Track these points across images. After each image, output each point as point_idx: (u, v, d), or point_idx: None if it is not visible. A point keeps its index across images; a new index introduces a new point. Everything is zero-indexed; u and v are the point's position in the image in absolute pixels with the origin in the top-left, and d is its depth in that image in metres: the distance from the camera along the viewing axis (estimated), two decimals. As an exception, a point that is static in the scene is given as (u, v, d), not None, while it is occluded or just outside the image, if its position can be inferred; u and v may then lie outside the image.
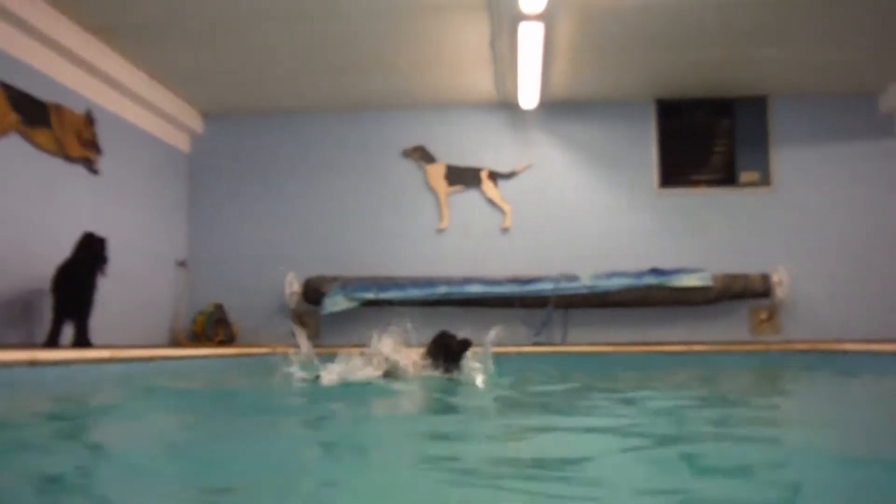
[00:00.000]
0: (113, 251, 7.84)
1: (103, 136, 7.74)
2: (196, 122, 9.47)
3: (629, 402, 3.61)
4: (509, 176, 9.21)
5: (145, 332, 8.45)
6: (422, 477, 1.71)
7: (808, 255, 8.71)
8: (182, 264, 9.34)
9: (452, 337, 4.48)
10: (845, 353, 7.13)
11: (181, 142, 9.42)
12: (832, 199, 8.84)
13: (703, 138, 9.07)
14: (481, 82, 8.57)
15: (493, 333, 4.57)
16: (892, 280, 8.65)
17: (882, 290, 8.63)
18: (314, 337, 9.03)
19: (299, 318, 9.16)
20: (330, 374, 3.79)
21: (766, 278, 8.42)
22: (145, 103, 8.40)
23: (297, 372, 4.03)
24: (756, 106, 8.99)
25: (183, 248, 9.44)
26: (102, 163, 7.76)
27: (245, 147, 9.58)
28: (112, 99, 7.93)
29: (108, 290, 7.59)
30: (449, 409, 3.48)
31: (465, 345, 4.36)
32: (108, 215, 7.79)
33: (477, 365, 4.32)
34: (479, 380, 4.10)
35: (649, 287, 8.38)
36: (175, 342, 8.98)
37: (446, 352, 4.32)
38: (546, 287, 8.47)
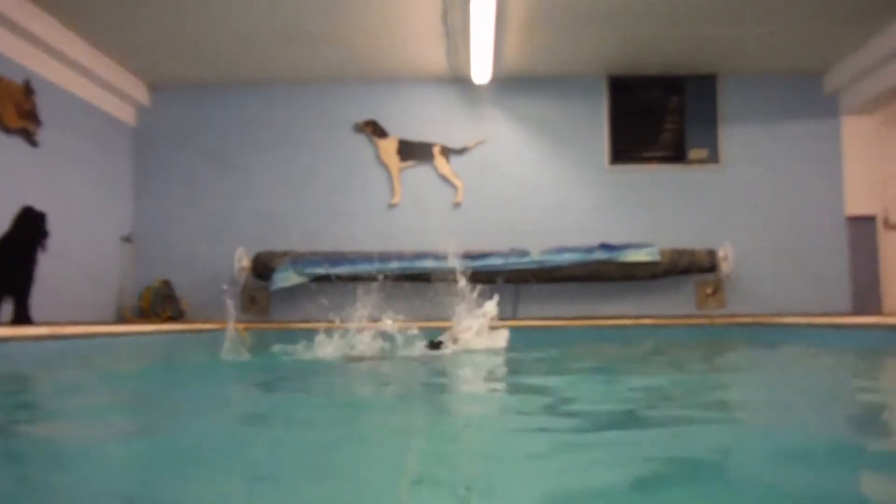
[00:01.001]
0: (54, 226, 7.63)
1: (43, 107, 7.49)
2: (142, 94, 9.24)
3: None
4: (462, 151, 9.20)
5: (90, 308, 8.28)
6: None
7: (753, 232, 8.90)
8: (127, 239, 9.15)
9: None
10: (784, 325, 7.35)
11: (126, 114, 9.18)
12: (777, 178, 9.03)
13: (653, 115, 9.15)
14: (433, 56, 8.51)
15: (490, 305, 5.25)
16: (830, 257, 8.90)
17: (820, 267, 8.89)
18: (264, 313, 8.98)
19: (249, 295, 9.08)
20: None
21: (712, 254, 8.58)
22: (88, 73, 8.15)
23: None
24: (705, 84, 9.09)
25: (128, 223, 9.24)
26: (42, 134, 7.52)
27: (193, 119, 9.39)
28: (53, 69, 7.68)
29: (50, 266, 7.40)
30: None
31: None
32: (48, 189, 7.58)
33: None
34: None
35: (598, 262, 8.47)
36: (121, 319, 8.82)
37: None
38: (496, 262, 8.50)
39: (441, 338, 5.16)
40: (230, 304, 4.20)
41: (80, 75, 8.10)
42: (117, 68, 8.63)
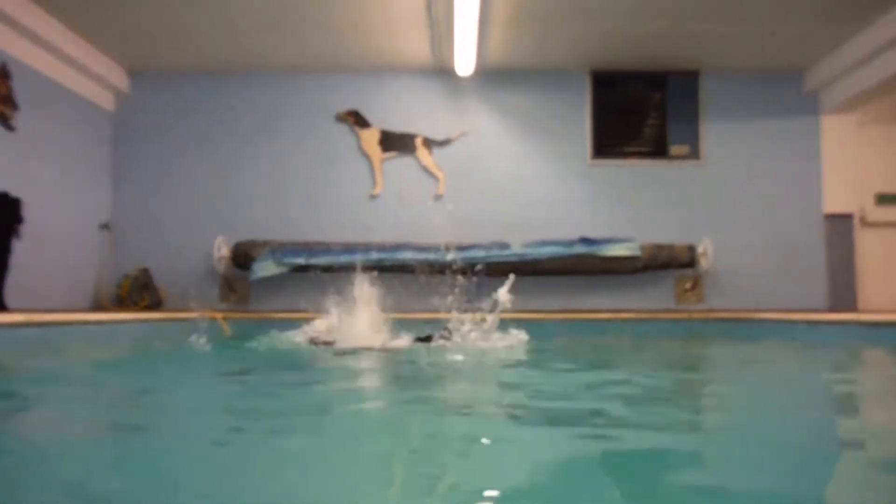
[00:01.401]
0: (31, 212, 7.56)
1: (20, 91, 7.38)
2: (121, 80, 9.13)
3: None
4: (444, 143, 9.18)
5: (67, 296, 8.20)
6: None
7: (732, 228, 8.97)
8: (106, 227, 9.06)
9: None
10: (762, 321, 7.42)
11: (105, 100, 9.07)
12: (756, 174, 9.09)
13: (635, 111, 9.18)
14: (417, 47, 8.48)
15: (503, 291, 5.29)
16: (808, 254, 8.99)
17: (797, 264, 8.97)
18: (243, 302, 8.94)
19: (228, 284, 9.03)
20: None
21: (691, 249, 8.64)
22: (67, 58, 8.03)
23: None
24: (688, 80, 9.14)
25: (107, 211, 9.14)
26: (19, 119, 7.42)
27: (173, 106, 9.29)
28: (30, 52, 7.56)
29: (27, 253, 7.33)
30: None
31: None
32: (25, 174, 7.48)
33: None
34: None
35: (579, 256, 8.50)
36: (98, 307, 8.74)
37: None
38: (477, 255, 8.50)
39: (440, 331, 5.14)
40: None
41: (58, 59, 7.99)
42: (96, 53, 8.52)
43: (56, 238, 7.99)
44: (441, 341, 4.90)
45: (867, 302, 8.86)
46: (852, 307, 8.80)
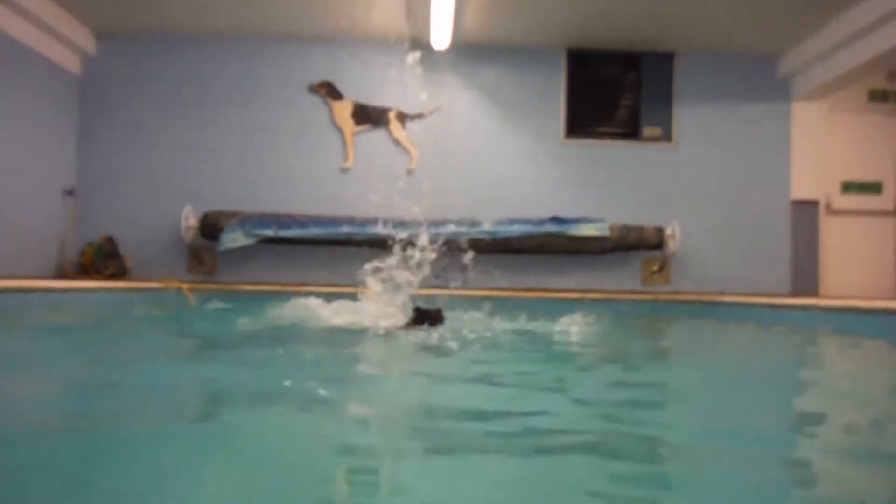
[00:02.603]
0: (-8, 176, 7.41)
1: (-18, 50, 7.18)
2: (88, 42, 8.90)
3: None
4: (417, 117, 9.11)
5: (29, 263, 8.03)
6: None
7: (699, 211, 9.05)
8: (70, 193, 8.88)
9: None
10: (726, 304, 7.53)
11: (71, 63, 8.84)
12: (726, 159, 9.16)
13: (609, 91, 9.17)
14: (393, 19, 8.36)
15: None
16: (773, 239, 9.11)
17: (763, 249, 9.09)
18: (210, 274, 8.84)
19: (196, 255, 8.92)
20: None
21: (660, 231, 8.70)
22: (32, 18, 7.79)
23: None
24: (662, 62, 9.14)
25: (72, 177, 8.95)
26: (-19, 80, 7.21)
27: (141, 71, 9.09)
28: (-8, 11, 7.34)
29: (-14, 217, 7.19)
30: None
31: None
32: (-13, 137, 7.31)
33: None
34: None
35: (549, 234, 8.52)
36: (62, 275, 8.59)
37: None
38: (448, 231, 8.49)
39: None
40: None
41: (23, 19, 7.75)
42: (62, 13, 8.28)
43: (18, 203, 7.82)
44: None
45: (828, 289, 9.02)
46: (814, 293, 8.95)
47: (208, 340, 3.94)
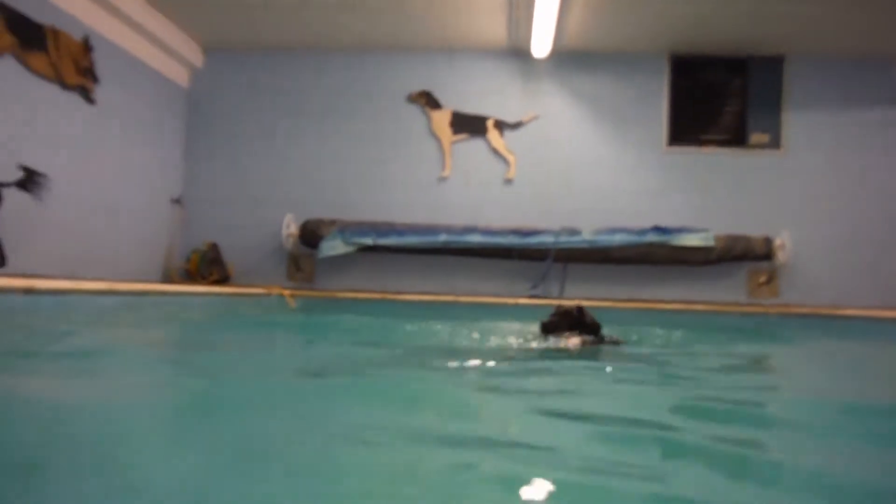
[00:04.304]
0: (107, 184, 7.73)
1: (100, 64, 7.49)
2: (196, 56, 9.20)
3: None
4: (516, 126, 9.03)
5: (138, 268, 8.31)
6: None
7: (812, 221, 8.64)
8: (177, 201, 9.17)
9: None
10: (843, 318, 7.15)
11: (180, 76, 9.16)
12: (839, 166, 8.73)
13: (714, 97, 8.89)
14: (494, 27, 8.33)
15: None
16: (890, 250, 8.60)
17: (878, 260, 8.59)
18: (309, 281, 8.97)
19: (295, 262, 9.07)
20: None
21: (768, 241, 8.34)
22: (145, 33, 8.11)
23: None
24: (771, 66, 8.80)
25: (178, 186, 9.25)
26: (99, 92, 7.52)
27: (246, 84, 9.34)
28: (110, 26, 7.64)
29: (100, 225, 7.48)
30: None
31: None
32: (103, 147, 7.61)
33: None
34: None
35: (651, 244, 8.29)
36: (168, 280, 8.86)
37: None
38: (547, 240, 8.37)
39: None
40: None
41: (136, 34, 8.07)
42: (173, 29, 8.59)
43: (128, 210, 8.11)
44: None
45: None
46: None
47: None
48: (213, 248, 8.94)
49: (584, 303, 7.84)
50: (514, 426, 1.75)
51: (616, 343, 3.87)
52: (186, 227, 9.17)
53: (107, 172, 7.71)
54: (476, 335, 4.34)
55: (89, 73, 7.38)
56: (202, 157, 9.31)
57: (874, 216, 8.66)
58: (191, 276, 8.79)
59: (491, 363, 2.98)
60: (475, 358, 3.11)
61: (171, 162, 9.16)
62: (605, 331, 3.88)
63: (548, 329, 3.83)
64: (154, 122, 8.73)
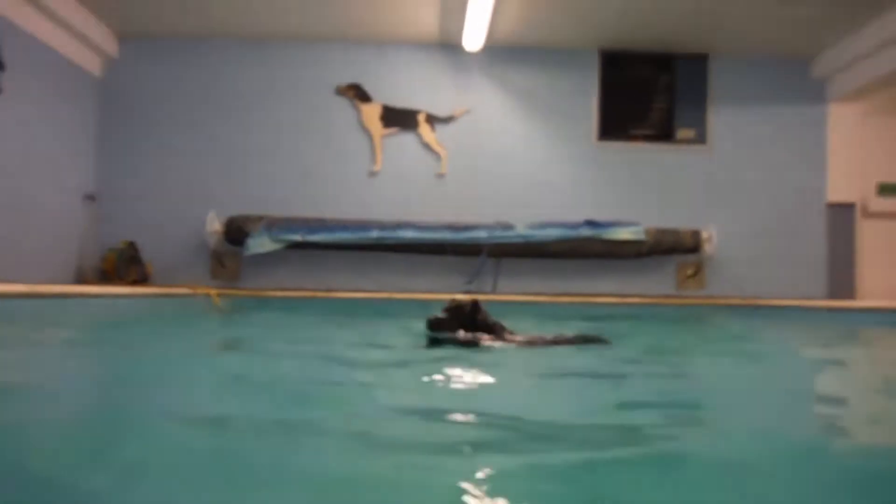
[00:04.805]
0: (14, 179, 7.20)
1: (7, 51, 6.94)
2: (111, 45, 8.68)
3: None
4: (447, 120, 8.92)
5: (48, 268, 7.76)
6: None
7: (735, 214, 8.89)
8: (91, 198, 8.64)
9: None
10: (767, 307, 7.40)
11: (93, 65, 8.62)
12: (761, 161, 9.01)
13: (643, 93, 9.02)
14: (425, 20, 8.19)
15: None
16: (809, 242, 8.95)
17: (798, 252, 8.93)
18: (234, 279, 8.62)
19: (219, 260, 8.70)
20: None
21: (696, 235, 8.53)
22: (55, 18, 7.57)
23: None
24: (697, 64, 9.00)
25: (92, 181, 8.71)
26: (5, 80, 6.98)
27: (164, 75, 8.88)
28: (18, 10, 7.09)
29: (6, 222, 6.96)
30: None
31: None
32: (12, 138, 7.09)
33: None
34: None
35: (583, 239, 8.33)
36: (82, 280, 8.34)
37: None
38: (480, 235, 8.30)
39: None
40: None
41: (47, 19, 7.54)
42: (86, 14, 8.07)
43: (39, 207, 7.58)
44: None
45: (865, 292, 8.85)
46: (850, 296, 8.80)
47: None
48: (131, 246, 8.48)
49: (519, 297, 7.84)
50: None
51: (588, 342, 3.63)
52: (101, 224, 8.66)
53: (13, 166, 7.17)
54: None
55: (-5, 59, 6.84)
56: (118, 152, 8.81)
57: (789, 209, 8.98)
58: (107, 277, 8.31)
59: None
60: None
61: (84, 156, 8.62)
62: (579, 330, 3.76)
63: (435, 326, 3.46)
64: (65, 114, 8.20)
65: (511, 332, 3.53)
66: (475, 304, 3.54)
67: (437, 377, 2.42)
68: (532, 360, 3.05)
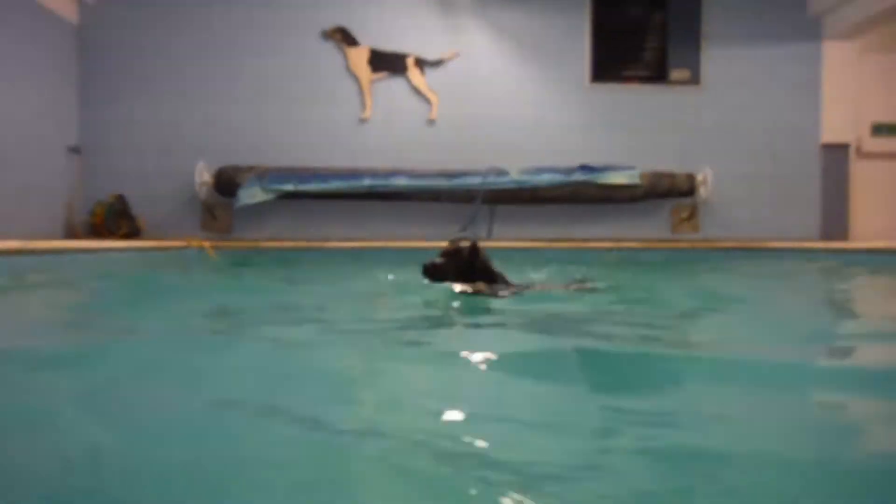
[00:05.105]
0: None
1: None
2: (85, -11, 8.37)
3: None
4: (437, 64, 8.72)
5: (35, 224, 7.59)
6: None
7: (730, 156, 8.83)
8: (75, 150, 8.43)
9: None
10: (769, 250, 7.38)
11: (68, 10, 8.30)
12: (756, 101, 8.91)
13: (635, 33, 8.84)
14: (413, -41, 7.94)
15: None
16: (803, 183, 8.92)
17: (792, 193, 8.91)
18: (226, 231, 8.51)
19: (210, 211, 8.57)
20: None
21: (691, 178, 8.47)
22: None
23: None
24: (689, 1, 8.80)
25: (75, 133, 8.50)
26: (-22, 30, 6.73)
27: (143, 17, 8.57)
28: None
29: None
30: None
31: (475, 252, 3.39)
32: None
33: None
34: None
35: (578, 183, 8.26)
36: (72, 235, 8.20)
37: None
38: (474, 181, 8.20)
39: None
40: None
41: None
42: (59, -43, 7.76)
43: (19, 161, 7.36)
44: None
45: (858, 233, 8.88)
46: (843, 237, 8.82)
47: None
48: (120, 199, 8.33)
49: (515, 244, 7.79)
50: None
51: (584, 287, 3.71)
52: (88, 177, 8.48)
53: (-7, 119, 6.96)
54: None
55: (-34, 7, 6.58)
56: (101, 102, 8.57)
57: (783, 150, 8.92)
58: (97, 231, 8.17)
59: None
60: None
61: (65, 107, 8.39)
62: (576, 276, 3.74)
63: (431, 274, 3.32)
64: (40, 63, 7.92)
65: (508, 281, 3.43)
66: (474, 248, 3.35)
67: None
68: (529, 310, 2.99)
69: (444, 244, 3.46)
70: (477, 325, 2.66)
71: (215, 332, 2.45)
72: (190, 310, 3.09)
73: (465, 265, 3.32)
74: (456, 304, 3.14)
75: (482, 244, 3.42)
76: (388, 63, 8.68)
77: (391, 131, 8.70)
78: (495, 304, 3.08)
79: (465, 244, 3.40)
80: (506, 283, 3.40)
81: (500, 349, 2.03)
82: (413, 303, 3.30)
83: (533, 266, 6.04)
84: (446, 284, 3.33)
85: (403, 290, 3.70)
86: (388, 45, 8.67)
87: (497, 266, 3.46)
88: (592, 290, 3.59)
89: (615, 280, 4.77)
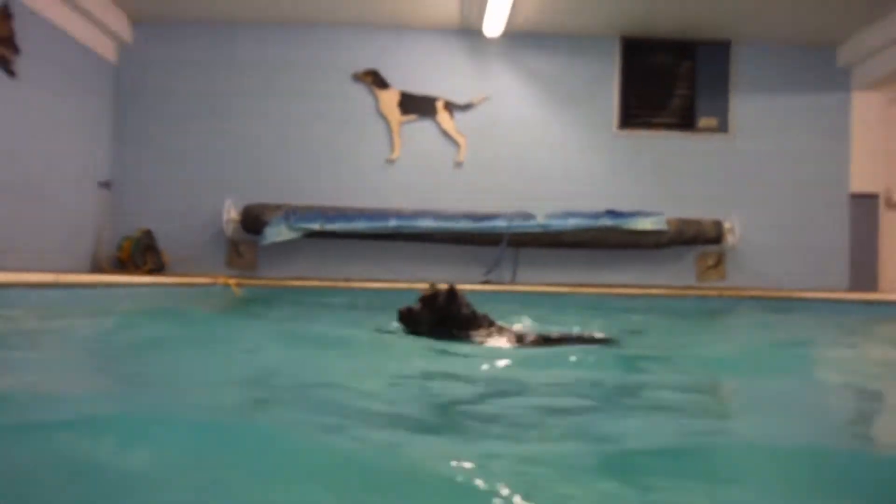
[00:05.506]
0: (28, 165, 7.11)
1: (22, 34, 6.84)
2: (124, 30, 8.56)
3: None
4: (466, 107, 8.80)
5: (63, 257, 7.66)
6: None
7: (757, 204, 8.78)
8: (105, 185, 8.55)
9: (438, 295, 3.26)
10: (799, 300, 7.28)
11: (108, 50, 8.50)
12: (784, 150, 8.89)
13: (664, 80, 8.89)
14: (445, 4, 8.05)
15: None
16: (831, 233, 8.83)
17: (820, 243, 8.82)
18: (251, 268, 8.54)
19: (236, 248, 8.62)
20: None
21: (718, 225, 8.42)
22: (70, 1, 7.46)
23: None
24: (719, 50, 8.85)
25: (107, 168, 8.62)
26: (20, 64, 6.88)
27: (179, 59, 8.76)
28: (32, -8, 7.00)
29: (21, 210, 6.86)
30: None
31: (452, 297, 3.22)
32: (25, 124, 6.98)
33: None
34: None
35: (604, 229, 8.23)
36: (97, 269, 8.26)
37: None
38: (500, 224, 8.21)
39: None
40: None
41: (62, 3, 7.42)
42: (100, -2, 7.96)
43: (52, 194, 7.47)
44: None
45: (888, 284, 8.75)
46: (873, 288, 8.69)
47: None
48: (147, 234, 8.40)
49: (538, 288, 7.73)
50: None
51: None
52: (117, 212, 8.58)
53: (27, 152, 7.07)
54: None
55: (9, 42, 6.74)
56: (133, 139, 8.71)
57: (812, 200, 8.86)
58: (123, 265, 8.23)
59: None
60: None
61: (99, 142, 8.52)
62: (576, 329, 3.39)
63: (406, 320, 3.19)
64: (80, 100, 8.09)
65: (499, 327, 3.19)
66: (451, 293, 3.18)
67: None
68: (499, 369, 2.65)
69: (469, 286, 3.36)
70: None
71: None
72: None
73: (443, 311, 3.15)
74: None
75: (503, 289, 3.36)
76: (418, 106, 8.77)
77: (418, 173, 8.75)
78: (449, 361, 2.77)
79: (442, 288, 3.25)
80: (491, 327, 3.16)
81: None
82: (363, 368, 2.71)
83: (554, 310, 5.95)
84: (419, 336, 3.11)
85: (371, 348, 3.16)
86: (418, 88, 8.77)
87: (483, 310, 3.25)
88: (601, 342, 3.17)
89: (639, 330, 4.66)
